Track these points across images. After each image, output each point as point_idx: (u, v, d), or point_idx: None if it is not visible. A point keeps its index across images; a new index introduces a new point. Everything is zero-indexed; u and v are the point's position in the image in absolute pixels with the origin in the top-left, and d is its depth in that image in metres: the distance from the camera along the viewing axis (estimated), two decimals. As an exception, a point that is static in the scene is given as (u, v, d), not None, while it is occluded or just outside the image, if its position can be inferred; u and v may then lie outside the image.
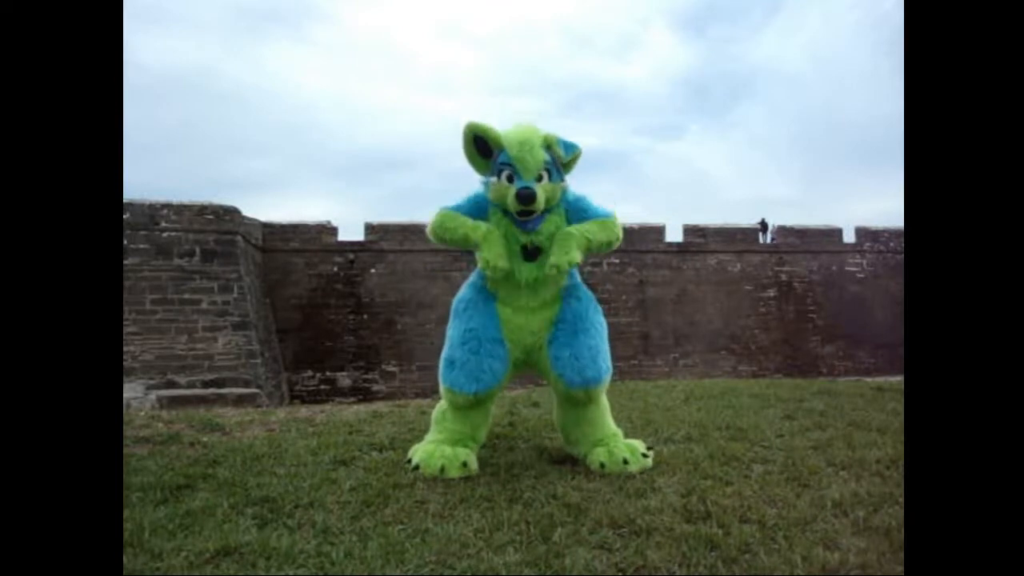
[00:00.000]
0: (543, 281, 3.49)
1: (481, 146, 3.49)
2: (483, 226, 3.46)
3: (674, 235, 18.16)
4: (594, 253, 3.58)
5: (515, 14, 69.91)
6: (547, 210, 3.47)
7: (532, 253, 3.47)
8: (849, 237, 19.39)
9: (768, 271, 18.40)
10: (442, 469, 3.35)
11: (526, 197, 3.31)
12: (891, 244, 19.25)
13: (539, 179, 3.39)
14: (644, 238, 17.73)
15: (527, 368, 3.75)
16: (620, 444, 3.55)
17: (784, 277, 18.47)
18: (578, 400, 3.53)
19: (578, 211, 3.58)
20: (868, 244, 19.31)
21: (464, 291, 3.71)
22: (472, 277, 3.74)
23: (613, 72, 68.33)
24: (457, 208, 3.57)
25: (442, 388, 3.61)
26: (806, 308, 18.49)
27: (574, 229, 3.45)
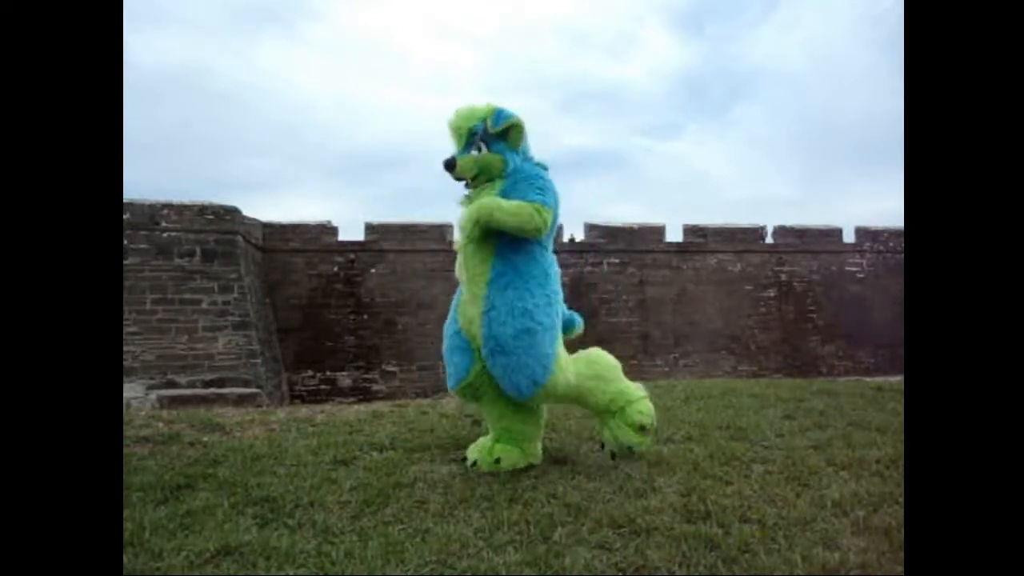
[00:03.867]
0: (469, 253, 3.38)
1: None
2: None
3: (674, 235, 18.18)
4: (508, 231, 3.29)
5: (513, 13, 69.88)
6: (488, 180, 3.48)
7: None
8: (849, 237, 19.38)
9: (768, 271, 18.38)
10: (474, 463, 3.47)
11: (445, 165, 3.46)
12: (891, 244, 19.23)
13: (479, 150, 3.45)
14: (644, 238, 17.72)
15: None
16: (617, 424, 3.47)
17: (784, 277, 18.46)
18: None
19: (516, 188, 3.40)
20: (868, 244, 19.30)
21: None
22: None
23: (611, 71, 68.32)
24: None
25: None
26: (806, 308, 18.47)
27: (489, 199, 3.31)
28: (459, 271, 3.51)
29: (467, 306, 3.46)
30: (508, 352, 3.28)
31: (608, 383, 3.51)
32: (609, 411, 3.50)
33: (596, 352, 3.61)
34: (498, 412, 3.58)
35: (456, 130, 3.47)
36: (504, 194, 3.39)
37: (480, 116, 3.44)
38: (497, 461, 3.44)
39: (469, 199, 3.52)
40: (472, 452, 3.55)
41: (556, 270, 3.57)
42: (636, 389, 3.56)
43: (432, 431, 4.43)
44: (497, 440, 3.55)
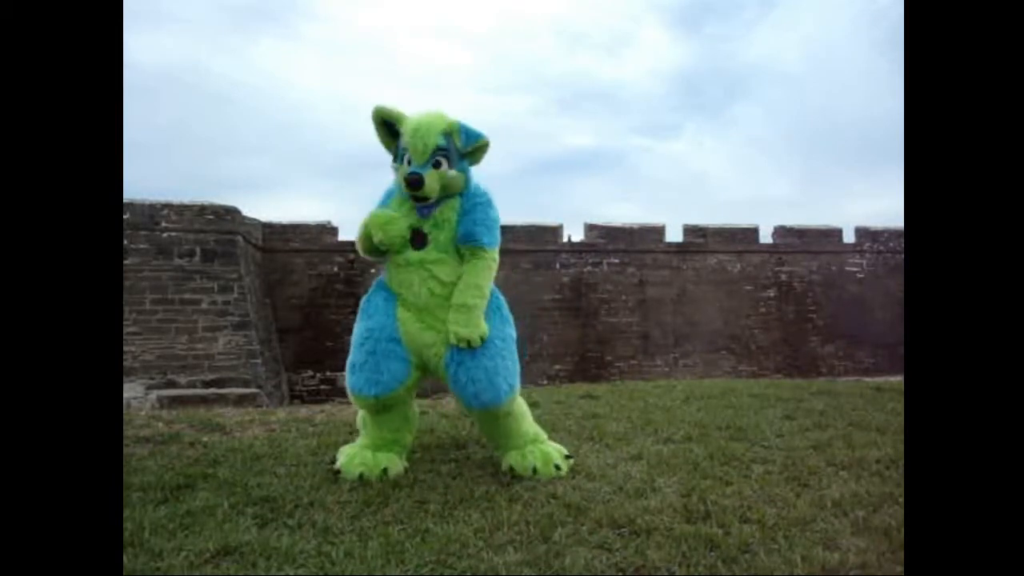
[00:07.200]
0: (435, 270, 3.33)
1: (392, 129, 3.43)
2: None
3: (674, 235, 18.17)
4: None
5: (510, 12, 69.69)
6: (446, 196, 3.38)
7: (419, 240, 3.36)
8: (849, 237, 19.36)
9: (768, 271, 18.38)
10: (361, 476, 3.28)
11: (412, 183, 3.24)
12: (891, 244, 19.22)
13: (437, 165, 3.27)
14: (644, 238, 17.71)
15: (434, 375, 3.56)
16: (535, 450, 3.42)
17: (784, 277, 18.45)
18: (483, 418, 3.48)
19: (470, 212, 3.38)
20: (868, 244, 19.29)
21: (370, 290, 3.58)
22: (380, 275, 3.63)
23: (608, 70, 68.05)
24: (382, 205, 3.52)
25: (348, 393, 3.51)
26: (806, 308, 18.46)
27: (467, 296, 3.26)
28: (407, 286, 3.37)
29: (425, 316, 3.35)
30: (493, 355, 3.28)
31: (529, 421, 3.61)
32: (527, 442, 3.48)
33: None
34: (399, 423, 3.52)
35: (413, 147, 3.27)
36: (461, 215, 3.37)
37: (443, 130, 3.29)
38: (385, 471, 3.33)
39: (429, 218, 3.36)
40: (352, 464, 3.35)
41: None
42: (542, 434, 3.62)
43: (432, 431, 4.43)
44: (377, 450, 3.43)
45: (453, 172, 3.33)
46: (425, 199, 3.32)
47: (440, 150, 3.27)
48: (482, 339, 3.26)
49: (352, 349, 3.48)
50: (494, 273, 3.42)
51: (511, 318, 3.53)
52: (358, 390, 3.39)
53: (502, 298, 3.54)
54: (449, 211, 3.38)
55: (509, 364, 3.36)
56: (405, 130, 3.33)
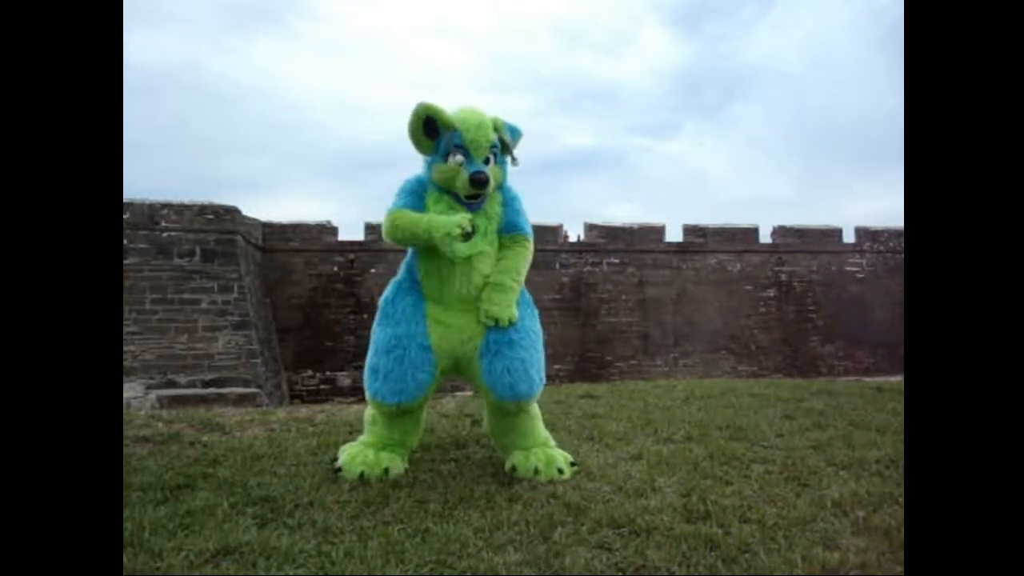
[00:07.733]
0: (477, 264, 3.35)
1: (429, 127, 3.37)
2: (423, 217, 3.30)
3: (674, 235, 18.17)
4: None
5: (509, 12, 69.78)
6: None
7: (467, 233, 3.36)
8: (849, 237, 19.37)
9: (768, 271, 18.38)
10: (361, 475, 3.27)
11: (480, 181, 3.27)
12: (891, 244, 19.22)
13: (486, 162, 3.34)
14: (644, 238, 17.71)
15: (455, 375, 3.61)
16: (540, 453, 3.42)
17: (784, 277, 18.45)
18: (508, 411, 3.44)
19: (510, 204, 3.53)
20: (868, 244, 19.29)
21: (391, 290, 3.54)
22: (400, 274, 3.59)
23: (607, 70, 68.18)
24: (404, 206, 3.42)
25: (367, 395, 3.48)
26: (806, 308, 18.47)
27: (506, 277, 3.37)
28: (448, 281, 3.35)
29: (454, 320, 3.37)
30: (528, 346, 3.35)
31: (541, 424, 3.65)
32: (536, 444, 3.49)
33: None
34: (410, 426, 3.52)
35: (475, 144, 3.29)
36: (503, 207, 3.50)
37: (492, 127, 3.37)
38: (386, 471, 3.32)
39: (479, 212, 3.39)
40: (354, 463, 3.34)
41: None
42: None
43: (432, 431, 4.43)
44: (381, 449, 3.43)
45: (497, 167, 3.45)
46: (483, 196, 3.40)
47: (493, 147, 3.38)
48: (510, 322, 3.32)
49: (375, 352, 3.40)
50: (531, 255, 3.53)
51: (537, 314, 3.59)
52: (381, 397, 3.34)
53: (529, 295, 3.61)
54: (495, 204, 3.49)
55: (538, 358, 3.43)
56: (465, 127, 3.32)
